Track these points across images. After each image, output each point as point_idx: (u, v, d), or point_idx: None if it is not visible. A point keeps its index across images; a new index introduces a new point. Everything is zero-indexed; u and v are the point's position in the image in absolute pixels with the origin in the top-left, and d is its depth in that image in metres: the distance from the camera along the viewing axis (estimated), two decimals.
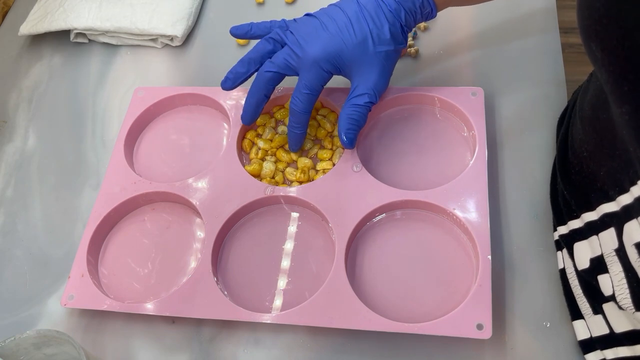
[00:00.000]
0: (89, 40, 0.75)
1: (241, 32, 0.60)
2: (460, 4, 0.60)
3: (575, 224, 0.47)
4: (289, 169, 0.58)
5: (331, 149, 0.59)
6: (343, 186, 0.55)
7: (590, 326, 0.46)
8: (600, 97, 0.43)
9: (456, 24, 0.67)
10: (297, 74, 0.54)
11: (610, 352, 0.44)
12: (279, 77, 0.55)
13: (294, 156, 0.59)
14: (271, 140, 0.60)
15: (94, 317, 0.54)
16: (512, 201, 0.55)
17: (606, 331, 0.44)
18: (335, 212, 0.53)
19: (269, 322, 0.49)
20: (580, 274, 0.46)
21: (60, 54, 0.75)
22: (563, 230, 0.49)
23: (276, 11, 0.73)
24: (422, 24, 0.67)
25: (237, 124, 0.61)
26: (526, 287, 0.50)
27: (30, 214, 0.62)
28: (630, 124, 0.36)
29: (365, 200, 0.54)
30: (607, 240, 0.42)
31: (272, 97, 0.61)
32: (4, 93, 0.73)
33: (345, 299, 0.49)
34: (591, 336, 0.46)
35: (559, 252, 0.50)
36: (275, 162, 0.59)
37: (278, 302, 0.52)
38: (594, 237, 0.43)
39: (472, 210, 0.51)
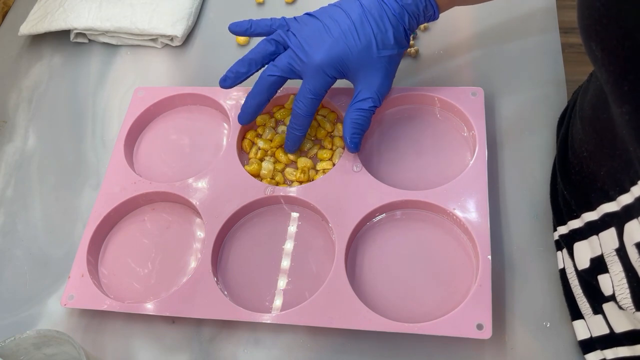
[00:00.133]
0: (89, 40, 0.75)
1: (240, 30, 0.59)
2: (462, 3, 0.60)
3: (575, 223, 0.47)
4: (288, 169, 0.58)
5: (331, 149, 0.59)
6: (343, 186, 0.55)
7: (590, 326, 0.46)
8: (600, 97, 0.43)
9: (456, 24, 0.67)
10: (301, 78, 0.54)
11: (610, 352, 0.44)
12: (282, 81, 0.55)
13: (292, 156, 0.59)
14: (271, 140, 0.60)
15: (94, 317, 0.54)
16: (512, 201, 0.55)
17: (606, 331, 0.44)
18: (335, 212, 0.53)
19: (269, 322, 0.49)
20: (581, 274, 0.46)
21: (60, 54, 0.75)
22: (563, 230, 0.49)
23: (276, 11, 0.73)
24: (422, 24, 0.67)
25: (237, 124, 0.61)
26: (526, 287, 0.50)
27: (30, 214, 0.62)
28: (631, 124, 0.36)
29: (365, 200, 0.54)
30: (607, 240, 0.42)
31: None
32: (4, 93, 0.73)
33: (345, 299, 0.49)
34: (591, 336, 0.46)
35: (559, 252, 0.50)
36: (275, 162, 0.59)
37: (278, 302, 0.52)
38: (594, 237, 0.43)
39: (472, 210, 0.51)
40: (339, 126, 0.60)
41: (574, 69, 0.72)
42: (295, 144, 0.58)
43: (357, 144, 0.54)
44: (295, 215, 0.56)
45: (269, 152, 0.60)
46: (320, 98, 0.54)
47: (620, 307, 0.41)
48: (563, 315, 0.49)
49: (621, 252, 0.40)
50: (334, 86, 0.58)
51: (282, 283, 0.53)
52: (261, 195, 0.56)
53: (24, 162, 0.66)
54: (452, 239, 0.52)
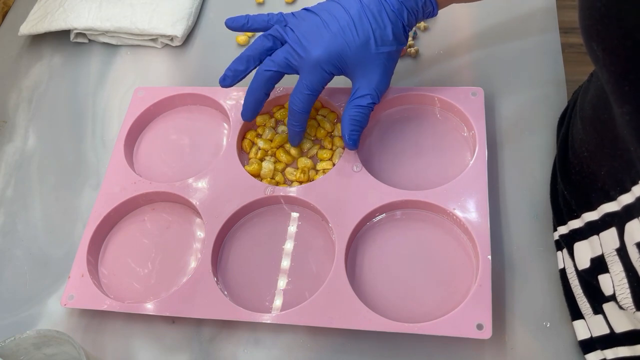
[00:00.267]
0: (89, 40, 0.75)
1: (237, 25, 0.58)
2: (461, 1, 0.59)
3: (575, 223, 0.47)
4: (289, 169, 0.58)
5: (331, 149, 0.59)
6: (343, 186, 0.55)
7: (590, 326, 0.46)
8: (601, 97, 0.43)
9: (456, 24, 0.67)
10: (297, 73, 0.54)
11: (610, 352, 0.44)
12: (278, 76, 0.55)
13: (294, 154, 0.59)
14: (271, 140, 0.60)
15: (94, 317, 0.54)
16: (512, 201, 0.55)
17: (606, 331, 0.44)
18: (335, 212, 0.53)
19: (269, 322, 0.49)
20: (581, 274, 0.46)
21: (60, 54, 0.75)
22: (563, 230, 0.49)
23: (276, 11, 0.72)
24: (422, 24, 0.67)
25: (237, 124, 0.61)
26: (526, 287, 0.50)
27: (30, 214, 0.62)
28: (631, 124, 0.36)
29: (365, 200, 0.54)
30: (608, 240, 0.42)
31: (272, 97, 0.61)
32: (4, 93, 0.72)
33: (345, 299, 0.49)
34: (591, 336, 0.46)
35: (559, 252, 0.50)
36: (275, 162, 0.59)
37: (278, 302, 0.52)
38: (595, 237, 0.43)
39: (472, 210, 0.51)
40: (339, 126, 0.60)
41: (574, 69, 0.72)
42: (296, 138, 0.58)
43: (355, 141, 0.54)
44: (295, 215, 0.56)
45: (269, 152, 0.60)
46: (316, 94, 0.54)
47: (620, 307, 0.41)
48: (563, 315, 0.49)
49: (622, 252, 0.40)
50: (333, 86, 0.58)
51: (282, 283, 0.53)
52: (261, 195, 0.56)
53: (24, 162, 0.66)
54: (452, 239, 0.52)
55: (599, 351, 0.45)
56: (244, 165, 0.58)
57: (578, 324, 0.47)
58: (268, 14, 0.57)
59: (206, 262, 0.53)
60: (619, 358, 0.44)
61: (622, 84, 0.35)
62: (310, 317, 0.49)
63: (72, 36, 0.74)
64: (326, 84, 0.54)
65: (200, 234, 0.57)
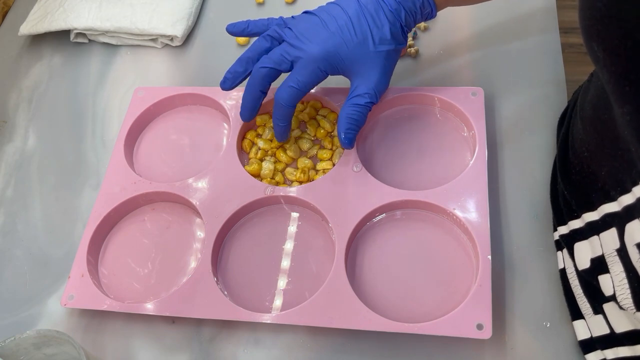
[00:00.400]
0: (89, 40, 0.75)
1: (238, 30, 0.59)
2: (460, 3, 0.60)
3: (575, 224, 0.47)
4: (289, 169, 0.58)
5: (331, 149, 0.59)
6: (343, 186, 0.55)
7: (590, 326, 0.46)
8: (601, 97, 0.43)
9: (456, 24, 0.67)
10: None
11: (610, 352, 0.44)
12: (275, 73, 0.54)
13: (293, 155, 0.59)
14: (271, 141, 0.60)
15: (94, 317, 0.54)
16: (512, 201, 0.55)
17: (607, 331, 0.44)
18: (335, 212, 0.53)
19: (269, 322, 0.49)
20: (581, 274, 0.46)
21: (60, 54, 0.75)
22: (563, 230, 0.49)
23: (276, 11, 0.73)
24: (422, 24, 0.67)
25: (237, 124, 0.61)
26: (526, 287, 0.50)
27: (30, 214, 0.62)
28: (632, 124, 0.36)
29: (365, 200, 0.54)
30: (608, 240, 0.42)
31: (272, 97, 0.61)
32: (4, 93, 0.72)
33: (345, 299, 0.49)
34: (591, 336, 0.46)
35: (559, 252, 0.50)
36: (275, 162, 0.59)
37: (278, 302, 0.52)
38: (595, 237, 0.43)
39: (472, 210, 0.51)
40: None
41: (574, 69, 0.72)
42: (282, 135, 0.57)
43: (351, 139, 0.53)
44: (295, 215, 0.56)
45: (269, 152, 0.60)
46: (305, 91, 0.53)
47: (620, 307, 0.41)
48: (563, 315, 0.49)
49: (622, 252, 0.40)
50: (332, 86, 0.58)
51: (282, 283, 0.53)
52: (261, 195, 0.56)
53: (24, 162, 0.66)
54: (452, 239, 0.52)
55: (599, 351, 0.45)
56: (244, 165, 0.58)
57: (578, 324, 0.47)
58: (268, 19, 0.57)
59: (206, 262, 0.53)
60: (619, 358, 0.44)
61: (623, 84, 0.35)
62: (310, 317, 0.49)
63: (72, 36, 0.74)
64: (317, 83, 0.53)
65: (200, 234, 0.57)
